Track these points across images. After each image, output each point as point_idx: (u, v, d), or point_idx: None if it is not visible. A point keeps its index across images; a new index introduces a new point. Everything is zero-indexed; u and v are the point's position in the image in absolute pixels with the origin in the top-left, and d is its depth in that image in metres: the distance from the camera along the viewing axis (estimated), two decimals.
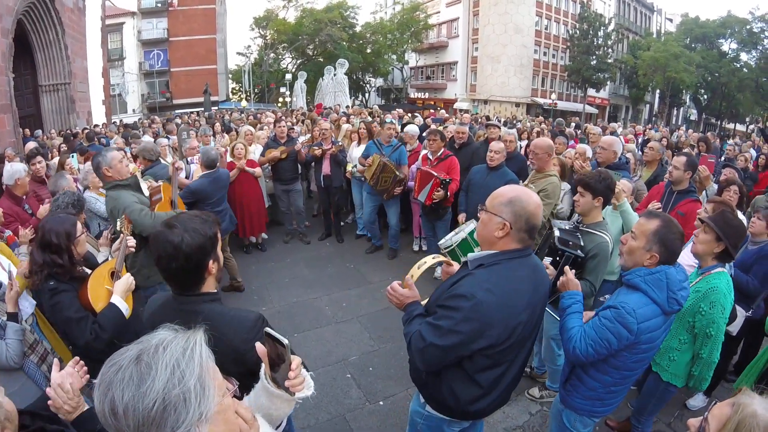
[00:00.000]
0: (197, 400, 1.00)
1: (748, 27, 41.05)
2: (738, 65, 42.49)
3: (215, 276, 1.98)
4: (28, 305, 3.14)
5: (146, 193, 4.43)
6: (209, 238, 1.89)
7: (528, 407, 4.21)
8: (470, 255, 2.26)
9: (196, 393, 1.01)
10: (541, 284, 2.23)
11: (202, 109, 31.01)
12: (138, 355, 1.01)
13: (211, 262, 1.92)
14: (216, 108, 32.89)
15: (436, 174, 5.98)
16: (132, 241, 3.34)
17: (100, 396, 0.99)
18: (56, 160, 7.04)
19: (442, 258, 2.54)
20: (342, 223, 8.66)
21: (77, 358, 1.99)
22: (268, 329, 1.48)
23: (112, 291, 2.83)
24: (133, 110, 39.78)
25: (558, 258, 3.18)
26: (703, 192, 5.17)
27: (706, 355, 2.93)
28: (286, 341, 1.44)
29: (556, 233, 3.33)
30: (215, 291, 2.01)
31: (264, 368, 1.52)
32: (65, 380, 1.76)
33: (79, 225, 2.89)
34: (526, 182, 4.89)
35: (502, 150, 5.49)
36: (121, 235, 3.29)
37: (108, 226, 4.25)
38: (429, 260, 2.44)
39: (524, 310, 2.09)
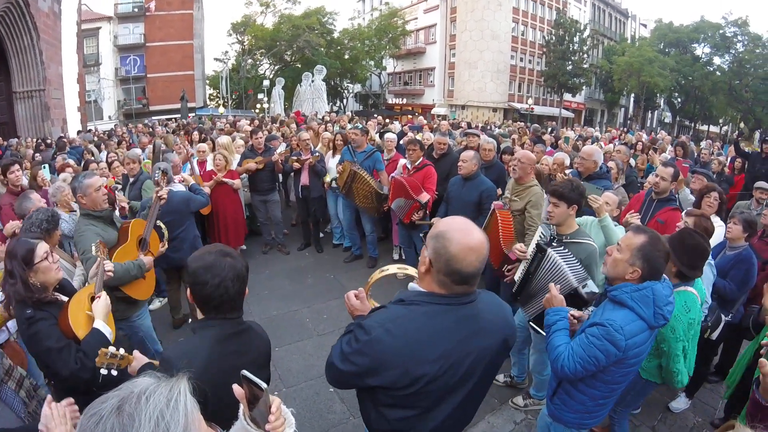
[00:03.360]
0: None
1: (720, 32, 41.75)
2: (711, 69, 43.26)
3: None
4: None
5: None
6: None
7: (513, 416, 4.19)
8: (410, 284, 2.02)
9: None
10: (479, 335, 1.92)
11: (179, 115, 30.70)
12: (119, 405, 0.94)
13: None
14: (193, 114, 32.61)
15: (415, 197, 5.89)
16: (109, 265, 3.19)
17: None
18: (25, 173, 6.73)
19: (409, 271, 2.34)
20: (321, 234, 8.55)
21: (71, 399, 1.85)
22: (244, 372, 1.43)
23: (93, 316, 2.71)
24: (110, 117, 39.00)
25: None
26: (676, 196, 5.21)
27: (667, 348, 2.96)
28: (264, 385, 1.41)
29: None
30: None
31: (243, 408, 1.47)
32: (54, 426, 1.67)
33: (40, 250, 2.65)
34: (509, 196, 4.87)
35: (470, 158, 5.38)
36: (98, 260, 3.16)
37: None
38: (393, 268, 2.36)
39: (433, 362, 1.82)
